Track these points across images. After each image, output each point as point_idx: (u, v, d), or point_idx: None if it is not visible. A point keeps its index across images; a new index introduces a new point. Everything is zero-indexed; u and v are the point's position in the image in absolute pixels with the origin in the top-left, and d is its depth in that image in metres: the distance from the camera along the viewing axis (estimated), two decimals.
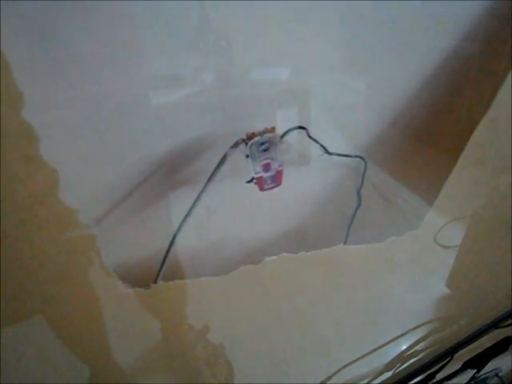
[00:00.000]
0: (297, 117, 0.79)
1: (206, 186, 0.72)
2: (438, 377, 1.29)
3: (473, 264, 1.39)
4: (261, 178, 0.72)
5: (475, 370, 1.26)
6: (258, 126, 0.73)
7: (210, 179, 0.72)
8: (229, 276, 0.81)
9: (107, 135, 0.70)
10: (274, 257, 0.82)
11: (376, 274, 1.23)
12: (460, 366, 1.30)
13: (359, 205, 1.00)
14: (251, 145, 0.67)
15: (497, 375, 1.63)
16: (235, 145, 0.70)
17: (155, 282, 0.78)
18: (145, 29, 0.62)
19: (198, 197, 0.73)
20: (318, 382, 1.29)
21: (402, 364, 1.36)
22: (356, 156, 0.86)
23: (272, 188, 0.74)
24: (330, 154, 0.81)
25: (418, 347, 1.36)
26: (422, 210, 1.13)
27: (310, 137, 0.76)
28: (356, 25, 0.77)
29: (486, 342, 1.29)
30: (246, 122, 0.75)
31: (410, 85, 0.92)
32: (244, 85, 0.73)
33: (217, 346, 0.96)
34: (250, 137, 0.69)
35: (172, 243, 0.75)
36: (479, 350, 1.28)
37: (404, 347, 1.37)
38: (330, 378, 1.31)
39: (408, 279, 1.34)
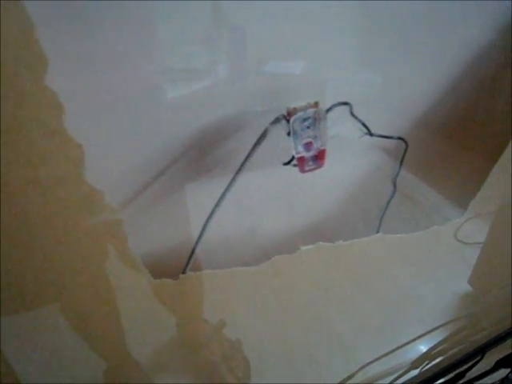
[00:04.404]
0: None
1: (241, 167, 0.66)
2: (468, 376, 1.23)
3: (497, 261, 1.33)
4: (302, 158, 0.66)
5: (509, 370, 1.20)
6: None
7: (246, 159, 0.66)
8: (261, 267, 0.75)
9: (135, 112, 0.64)
10: (311, 246, 0.76)
11: (400, 269, 1.18)
12: (491, 364, 1.24)
13: (394, 193, 0.94)
14: (294, 120, 0.61)
15: None
16: (275, 121, 0.64)
17: (184, 272, 0.73)
18: (160, 22, 0.58)
19: (233, 179, 0.67)
20: (340, 379, 1.24)
21: (430, 362, 1.30)
22: (398, 138, 0.80)
23: (313, 170, 0.68)
24: (372, 134, 0.75)
25: (446, 345, 1.30)
26: (450, 214, 1.09)
27: (352, 114, 0.70)
28: (378, 19, 0.73)
29: None
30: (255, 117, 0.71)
31: (439, 82, 0.87)
32: (259, 78, 0.69)
33: (233, 341, 0.91)
34: (292, 112, 0.63)
35: (203, 230, 0.70)
36: None
37: (431, 345, 1.32)
38: (353, 375, 1.26)
39: (430, 278, 1.29)
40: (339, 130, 0.79)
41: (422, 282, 1.26)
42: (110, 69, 0.58)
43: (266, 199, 0.80)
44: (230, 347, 0.92)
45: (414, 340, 1.34)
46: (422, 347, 1.38)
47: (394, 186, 0.93)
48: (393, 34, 0.77)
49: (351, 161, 0.90)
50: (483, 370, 1.27)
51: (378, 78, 0.83)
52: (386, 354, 1.31)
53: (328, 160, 0.78)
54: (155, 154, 0.71)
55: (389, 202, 0.94)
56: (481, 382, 1.31)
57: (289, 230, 0.83)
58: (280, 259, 0.75)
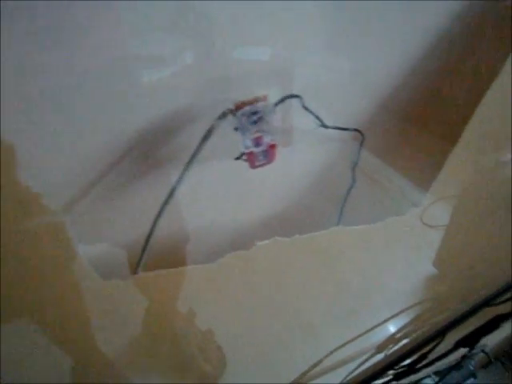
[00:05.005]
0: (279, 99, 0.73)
1: (189, 163, 0.64)
2: (431, 357, 1.27)
3: (460, 243, 1.37)
4: (251, 153, 0.64)
5: (467, 349, 1.25)
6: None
7: (193, 156, 0.64)
8: (217, 263, 0.73)
9: (77, 107, 0.60)
10: (266, 241, 0.75)
11: (364, 256, 1.20)
12: (452, 345, 1.29)
13: (353, 183, 0.94)
14: (241, 115, 0.59)
15: (483, 351, 1.65)
16: (222, 116, 0.62)
17: (135, 272, 0.70)
18: (125, 8, 0.54)
19: (181, 176, 0.64)
20: (309, 365, 1.26)
21: (394, 345, 1.33)
22: (354, 129, 0.79)
23: (264, 165, 0.67)
24: (327, 126, 0.73)
25: (409, 328, 1.33)
26: (414, 196, 1.10)
27: (304, 107, 0.69)
28: (342, 7, 0.72)
29: (477, 320, 1.28)
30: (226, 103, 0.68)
31: (400, 66, 0.87)
32: (226, 64, 0.67)
33: (205, 332, 0.90)
34: (239, 106, 0.60)
35: (153, 229, 0.67)
36: (471, 329, 1.27)
37: (395, 328, 1.35)
38: (321, 361, 1.28)
39: (395, 260, 1.32)
40: (294, 122, 0.77)
41: (387, 265, 1.28)
42: (43, 55, 0.53)
43: (219, 194, 0.78)
44: (203, 338, 0.92)
45: (378, 325, 1.37)
46: (392, 328, 1.42)
47: (354, 175, 0.93)
48: (356, 18, 0.76)
49: (308, 152, 0.89)
50: (444, 351, 1.32)
51: (344, 63, 0.82)
52: (353, 340, 1.34)
53: (284, 152, 0.77)
54: (102, 150, 0.67)
55: (348, 192, 0.94)
56: (442, 362, 1.36)
57: (244, 225, 0.81)
58: (236, 255, 0.74)
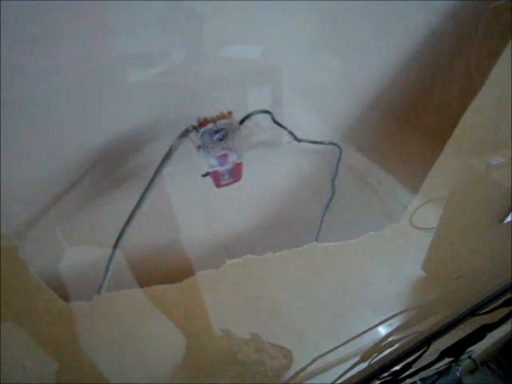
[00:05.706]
0: (269, 97, 0.71)
1: (151, 182, 0.61)
2: (416, 366, 1.26)
3: (449, 247, 1.35)
4: (216, 172, 0.61)
5: (452, 359, 1.23)
6: (227, 108, 0.63)
7: (156, 174, 0.60)
8: (184, 283, 0.71)
9: (33, 122, 0.56)
10: (237, 259, 0.72)
11: (351, 259, 1.18)
12: (437, 353, 1.27)
13: (333, 195, 0.91)
14: (203, 133, 0.56)
15: (470, 357, 1.64)
16: (184, 133, 0.58)
17: (99, 292, 0.68)
18: (112, 5, 0.51)
19: (143, 195, 0.61)
20: (294, 372, 1.25)
21: (379, 354, 1.32)
22: (330, 143, 0.76)
23: (230, 184, 0.63)
24: (300, 140, 0.70)
25: (395, 336, 1.32)
26: (404, 198, 1.08)
27: (275, 122, 0.65)
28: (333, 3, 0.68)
29: (463, 328, 1.27)
30: (212, 105, 0.66)
31: (390, 65, 0.84)
32: (215, 63, 0.64)
33: (251, 338, 0.93)
34: (203, 123, 0.57)
35: (115, 249, 0.64)
36: (456, 338, 1.25)
37: (380, 337, 1.34)
38: (307, 366, 1.27)
39: (383, 263, 1.30)
40: (267, 136, 0.74)
41: (376, 268, 1.26)
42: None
43: (190, 209, 0.75)
44: (254, 343, 0.93)
45: (365, 332, 1.36)
46: (379, 337, 1.40)
47: (333, 187, 0.90)
48: (347, 17, 0.73)
49: (287, 163, 0.86)
50: (429, 360, 1.30)
51: (334, 62, 0.79)
52: (339, 347, 1.33)
53: (259, 164, 0.74)
54: (62, 168, 0.64)
55: (327, 206, 0.91)
56: (427, 371, 1.33)
57: (213, 242, 0.79)
58: (205, 274, 0.71)
